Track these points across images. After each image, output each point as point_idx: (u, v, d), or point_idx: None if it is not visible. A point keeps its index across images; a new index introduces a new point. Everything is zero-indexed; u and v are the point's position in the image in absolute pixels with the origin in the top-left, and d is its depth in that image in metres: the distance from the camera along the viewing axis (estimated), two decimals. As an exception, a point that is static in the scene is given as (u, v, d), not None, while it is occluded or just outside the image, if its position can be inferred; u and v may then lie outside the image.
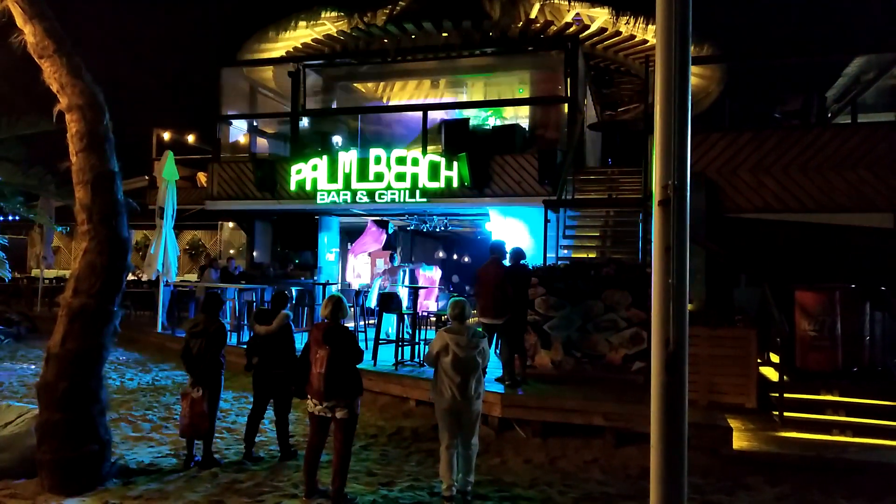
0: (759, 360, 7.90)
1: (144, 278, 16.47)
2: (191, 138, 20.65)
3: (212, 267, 14.06)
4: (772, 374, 8.02)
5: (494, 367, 8.06)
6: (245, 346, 6.86)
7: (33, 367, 10.58)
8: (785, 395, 7.34)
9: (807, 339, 7.83)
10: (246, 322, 11.69)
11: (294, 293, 12.40)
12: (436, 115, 13.58)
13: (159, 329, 13.53)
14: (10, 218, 20.33)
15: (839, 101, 13.61)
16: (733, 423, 6.83)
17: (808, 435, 6.93)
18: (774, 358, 8.23)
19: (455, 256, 22.14)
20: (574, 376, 8.47)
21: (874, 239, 9.69)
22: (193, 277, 18.14)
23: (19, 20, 5.82)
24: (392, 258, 13.71)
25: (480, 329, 5.99)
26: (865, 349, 7.82)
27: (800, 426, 7.09)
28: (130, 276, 16.73)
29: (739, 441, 6.61)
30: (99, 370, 5.83)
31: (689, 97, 2.64)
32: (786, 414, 7.22)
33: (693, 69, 14.21)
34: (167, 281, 13.33)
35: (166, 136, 19.62)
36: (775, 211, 10.18)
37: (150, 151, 18.86)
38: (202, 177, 18.03)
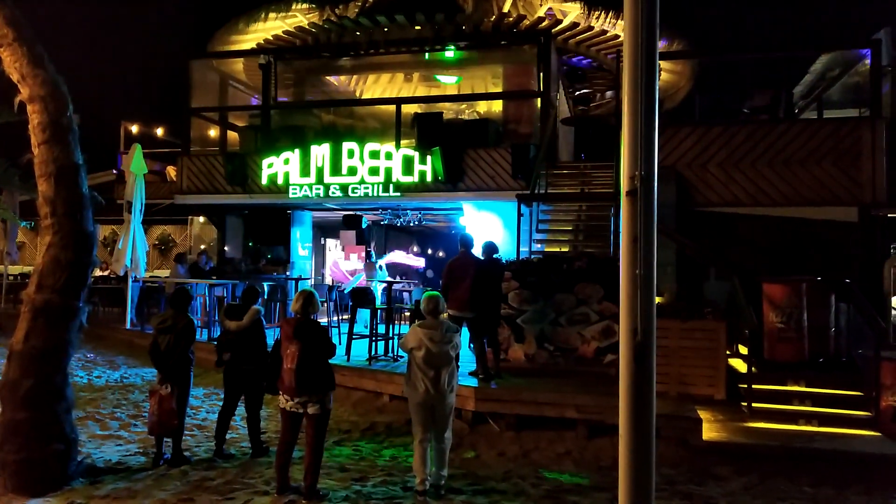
0: (728, 352, 8.02)
1: (113, 274, 16.17)
2: (160, 131, 20.30)
3: (179, 262, 13.86)
4: (740, 365, 8.15)
5: (468, 360, 8.08)
6: (215, 342, 6.77)
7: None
8: (753, 386, 7.46)
9: (774, 330, 7.97)
10: (216, 318, 11.55)
11: (266, 288, 12.28)
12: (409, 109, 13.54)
13: (128, 325, 13.31)
14: (-28, 213, 19.78)
15: (806, 98, 13.87)
16: (703, 414, 6.93)
17: (776, 425, 7.06)
18: (743, 349, 8.36)
19: (429, 251, 22.13)
20: (547, 369, 8.51)
21: (839, 232, 9.89)
22: (162, 273, 17.87)
23: (-24, 8, 5.64)
24: (368, 255, 13.67)
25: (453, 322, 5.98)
26: (831, 340, 7.98)
27: (768, 416, 7.22)
28: (99, 272, 16.46)
29: (709, 432, 6.70)
30: (64, 367, 5.70)
31: (657, 89, 2.66)
32: (754, 405, 7.34)
33: (664, 65, 14.36)
34: (136, 277, 13.11)
35: (134, 129, 19.27)
36: (744, 205, 10.34)
37: (118, 145, 18.52)
38: (171, 170, 17.75)
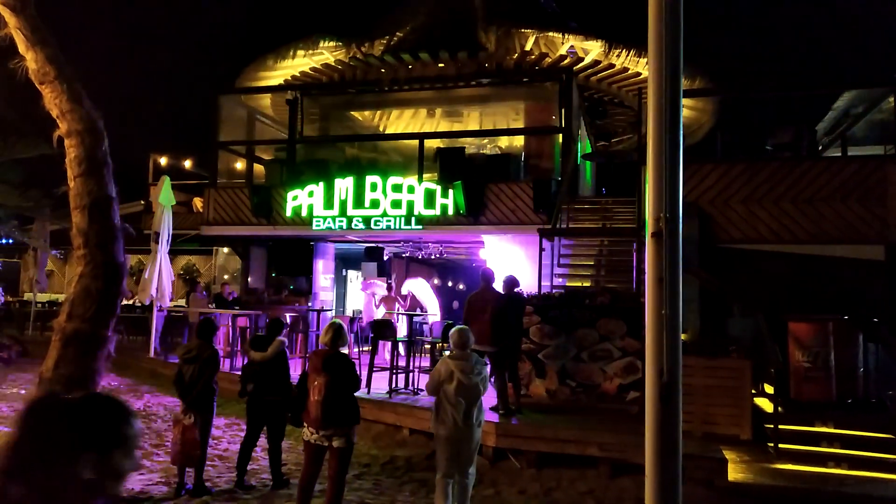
0: (753, 391, 7.90)
1: (138, 303, 16.40)
2: (187, 164, 20.73)
3: (195, 290, 14.09)
4: (766, 405, 8.01)
5: (487, 395, 8.02)
6: (238, 373, 6.82)
7: (23, 391, 10.47)
8: (779, 426, 7.32)
9: (801, 370, 7.84)
10: (239, 348, 11.63)
11: (289, 319, 12.37)
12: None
13: (152, 354, 13.44)
14: (4, 241, 20.29)
15: (830, 134, 13.79)
16: (728, 455, 6.80)
17: (804, 467, 6.90)
18: (769, 389, 8.23)
19: (450, 283, 22.13)
20: (569, 406, 8.43)
21: (865, 271, 9.76)
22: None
23: (21, 47, 5.88)
24: (390, 287, 13.73)
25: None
26: (859, 381, 7.83)
27: (795, 458, 7.06)
28: (124, 301, 16.70)
29: (735, 473, 6.57)
30: (91, 396, 5.77)
31: (681, 131, 2.69)
32: (781, 446, 7.19)
33: (685, 102, 14.46)
34: (161, 306, 13.29)
35: (163, 161, 19.68)
36: (768, 242, 10.25)
37: (147, 176, 18.93)
38: (198, 202, 18.06)
